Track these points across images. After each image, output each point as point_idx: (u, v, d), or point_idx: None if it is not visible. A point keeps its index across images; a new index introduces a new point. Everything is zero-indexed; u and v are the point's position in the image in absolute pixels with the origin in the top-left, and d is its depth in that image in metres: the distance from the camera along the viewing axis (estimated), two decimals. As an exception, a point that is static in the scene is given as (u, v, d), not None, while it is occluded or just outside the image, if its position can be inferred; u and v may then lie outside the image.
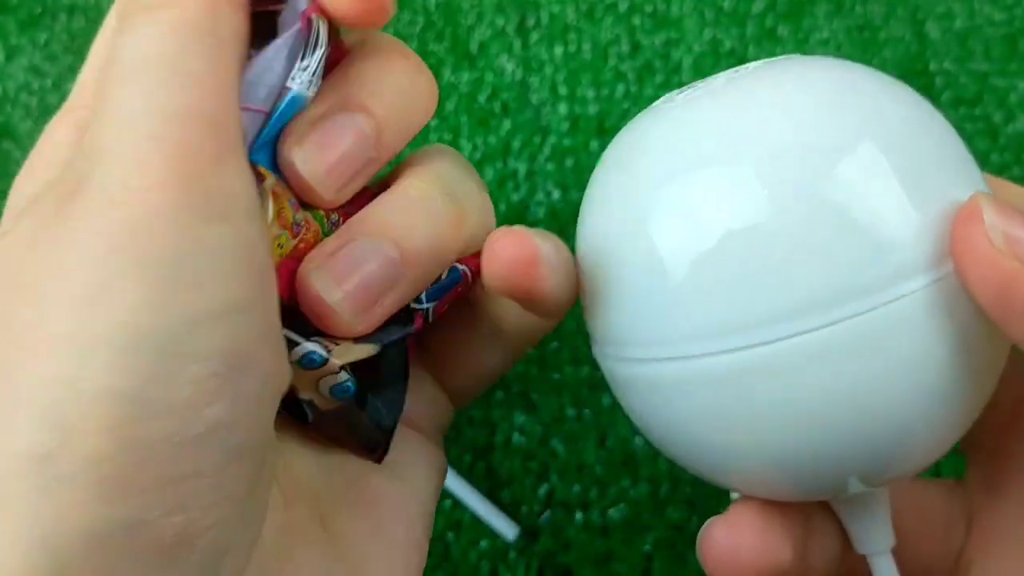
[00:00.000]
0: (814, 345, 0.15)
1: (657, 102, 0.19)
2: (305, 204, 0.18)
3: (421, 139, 0.36)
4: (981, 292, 0.15)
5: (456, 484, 0.30)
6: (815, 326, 0.15)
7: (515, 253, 0.17)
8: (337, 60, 0.19)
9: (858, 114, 0.16)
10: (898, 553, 0.19)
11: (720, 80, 0.18)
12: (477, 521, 0.31)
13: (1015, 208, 0.15)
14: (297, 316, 0.18)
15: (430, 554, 0.30)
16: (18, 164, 0.37)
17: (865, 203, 0.15)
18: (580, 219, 0.19)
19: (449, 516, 0.31)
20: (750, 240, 0.15)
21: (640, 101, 0.37)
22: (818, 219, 0.15)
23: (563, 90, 0.37)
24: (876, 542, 0.19)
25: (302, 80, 0.17)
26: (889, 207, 0.15)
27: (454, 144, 0.35)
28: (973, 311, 0.16)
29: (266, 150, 0.18)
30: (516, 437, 0.32)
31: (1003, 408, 0.19)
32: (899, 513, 0.19)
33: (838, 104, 0.16)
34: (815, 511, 0.19)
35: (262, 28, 0.17)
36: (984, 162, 0.36)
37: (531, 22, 0.38)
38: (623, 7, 0.38)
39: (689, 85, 0.19)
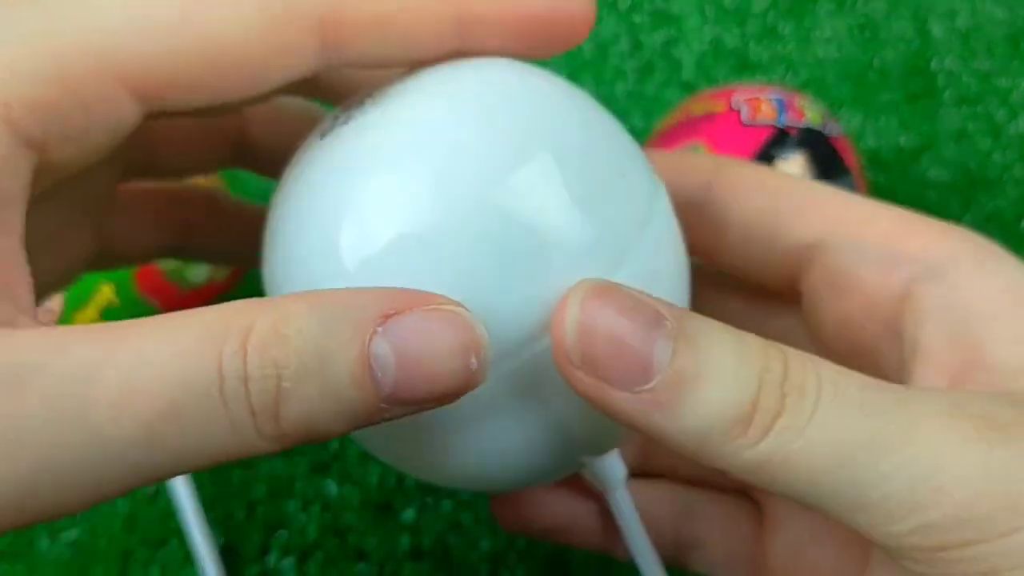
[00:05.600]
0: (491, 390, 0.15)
1: (319, 129, 0.17)
2: None
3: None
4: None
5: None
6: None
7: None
8: None
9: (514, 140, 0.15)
10: (707, 557, 0.21)
11: (377, 111, 0.16)
12: (477, 521, 0.30)
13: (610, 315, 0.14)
14: None
15: (430, 554, 0.29)
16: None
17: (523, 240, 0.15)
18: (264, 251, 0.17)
19: (449, 516, 0.31)
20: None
21: (641, 100, 0.36)
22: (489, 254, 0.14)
23: (563, 88, 0.36)
24: (610, 478, 0.19)
25: None
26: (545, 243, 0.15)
27: (454, 142, 0.35)
28: None
29: None
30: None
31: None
32: (701, 521, 0.22)
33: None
34: None
35: None
36: (986, 161, 0.36)
37: (531, 20, 0.37)
38: (624, 5, 0.38)
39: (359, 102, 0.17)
